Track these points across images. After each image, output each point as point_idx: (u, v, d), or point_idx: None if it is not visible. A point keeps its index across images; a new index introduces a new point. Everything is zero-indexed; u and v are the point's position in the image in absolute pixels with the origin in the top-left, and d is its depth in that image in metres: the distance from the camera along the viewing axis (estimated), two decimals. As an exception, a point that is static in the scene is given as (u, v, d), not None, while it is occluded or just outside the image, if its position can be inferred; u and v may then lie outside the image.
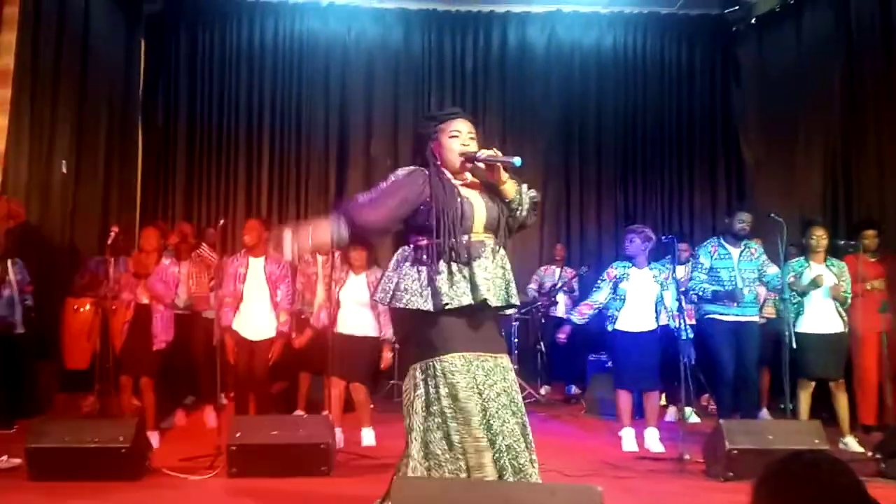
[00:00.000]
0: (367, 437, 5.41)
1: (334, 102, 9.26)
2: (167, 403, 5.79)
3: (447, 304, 2.71)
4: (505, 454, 2.64)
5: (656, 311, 5.37)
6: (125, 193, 8.50)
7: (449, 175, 2.87)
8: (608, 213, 9.42)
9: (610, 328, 5.37)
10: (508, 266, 2.89)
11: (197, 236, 6.98)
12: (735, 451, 4.30)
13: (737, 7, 9.03)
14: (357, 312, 5.43)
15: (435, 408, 2.69)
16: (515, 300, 2.89)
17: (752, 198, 8.91)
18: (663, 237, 5.29)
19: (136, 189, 8.84)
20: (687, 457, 4.65)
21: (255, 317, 5.51)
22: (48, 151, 6.84)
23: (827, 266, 5.49)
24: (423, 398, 2.72)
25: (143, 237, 5.52)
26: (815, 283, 5.33)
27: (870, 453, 4.78)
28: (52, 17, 6.88)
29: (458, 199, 2.80)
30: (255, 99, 9.19)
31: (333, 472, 4.46)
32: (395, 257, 2.91)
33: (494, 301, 2.77)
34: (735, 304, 5.39)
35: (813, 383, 5.40)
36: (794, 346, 5.22)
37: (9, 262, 5.83)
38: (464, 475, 2.62)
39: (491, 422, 2.65)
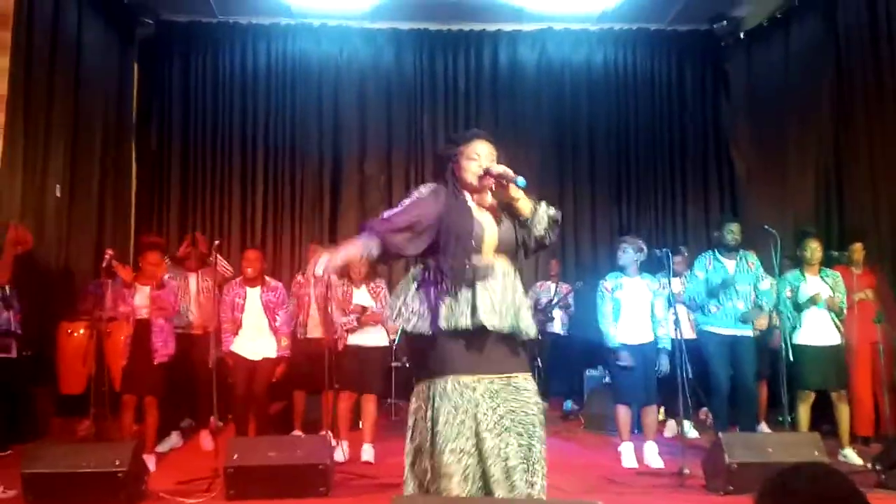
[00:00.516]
0: (367, 452, 5.41)
1: (327, 122, 9.28)
2: (164, 426, 5.74)
3: (444, 326, 2.68)
4: (499, 473, 2.59)
5: (652, 322, 5.37)
6: (119, 216, 8.47)
7: (466, 196, 2.86)
8: (602, 228, 9.43)
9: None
10: (521, 290, 2.82)
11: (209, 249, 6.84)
12: (735, 465, 4.30)
13: (725, 22, 9.09)
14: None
15: (419, 427, 2.71)
16: (526, 327, 2.78)
17: (744, 210, 8.94)
18: (657, 250, 5.26)
19: (130, 212, 8.82)
20: (686, 471, 4.64)
21: (255, 341, 5.58)
22: (42, 175, 6.82)
23: (821, 277, 5.52)
24: (414, 418, 2.74)
25: (145, 260, 5.51)
26: (812, 301, 5.37)
27: (869, 465, 4.78)
28: (45, 41, 6.88)
29: (471, 220, 2.78)
30: (249, 120, 9.21)
31: (332, 493, 4.44)
32: (407, 275, 2.92)
33: (498, 324, 2.69)
34: (725, 295, 5.45)
35: (812, 395, 5.40)
36: (791, 359, 5.23)
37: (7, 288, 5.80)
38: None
39: (483, 444, 2.59)
